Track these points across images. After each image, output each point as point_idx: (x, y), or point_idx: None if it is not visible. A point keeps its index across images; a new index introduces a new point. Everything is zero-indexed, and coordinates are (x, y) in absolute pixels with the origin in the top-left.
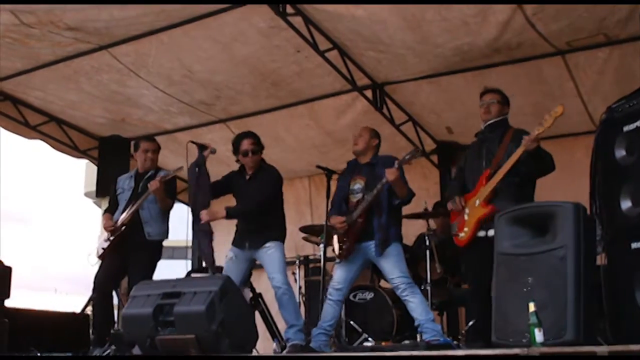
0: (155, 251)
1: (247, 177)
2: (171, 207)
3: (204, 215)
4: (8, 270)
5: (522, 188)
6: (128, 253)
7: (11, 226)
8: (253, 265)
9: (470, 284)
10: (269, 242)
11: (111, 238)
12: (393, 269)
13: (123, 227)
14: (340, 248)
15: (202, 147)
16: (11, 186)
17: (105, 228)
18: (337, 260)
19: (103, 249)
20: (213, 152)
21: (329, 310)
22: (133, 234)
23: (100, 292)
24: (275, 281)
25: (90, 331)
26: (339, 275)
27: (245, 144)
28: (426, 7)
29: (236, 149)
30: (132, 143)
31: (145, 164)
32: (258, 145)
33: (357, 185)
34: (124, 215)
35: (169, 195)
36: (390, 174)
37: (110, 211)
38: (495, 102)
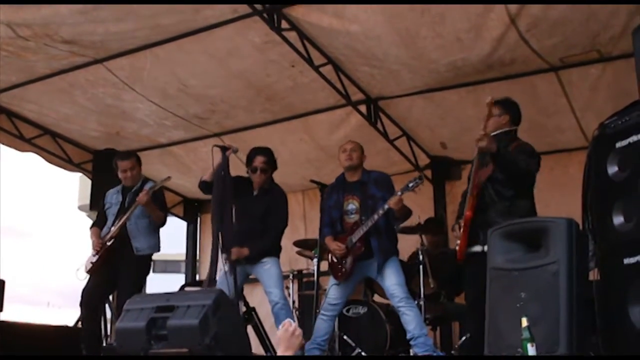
0: (144, 266)
1: (255, 192)
2: (164, 219)
3: (234, 252)
4: (1, 283)
5: (516, 201)
6: (117, 267)
7: (4, 239)
8: (246, 280)
9: (467, 299)
10: (266, 258)
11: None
12: (392, 278)
13: (111, 241)
14: (339, 271)
15: (224, 149)
16: (3, 199)
17: (94, 246)
18: (336, 282)
19: (92, 263)
20: (235, 151)
21: (323, 326)
22: (121, 249)
23: (87, 307)
24: (273, 295)
25: (82, 345)
26: (335, 293)
27: (258, 161)
28: (420, 23)
29: (249, 162)
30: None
31: (126, 182)
32: (269, 165)
33: (351, 205)
34: (112, 229)
35: (159, 207)
36: (394, 203)
37: (97, 225)
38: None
